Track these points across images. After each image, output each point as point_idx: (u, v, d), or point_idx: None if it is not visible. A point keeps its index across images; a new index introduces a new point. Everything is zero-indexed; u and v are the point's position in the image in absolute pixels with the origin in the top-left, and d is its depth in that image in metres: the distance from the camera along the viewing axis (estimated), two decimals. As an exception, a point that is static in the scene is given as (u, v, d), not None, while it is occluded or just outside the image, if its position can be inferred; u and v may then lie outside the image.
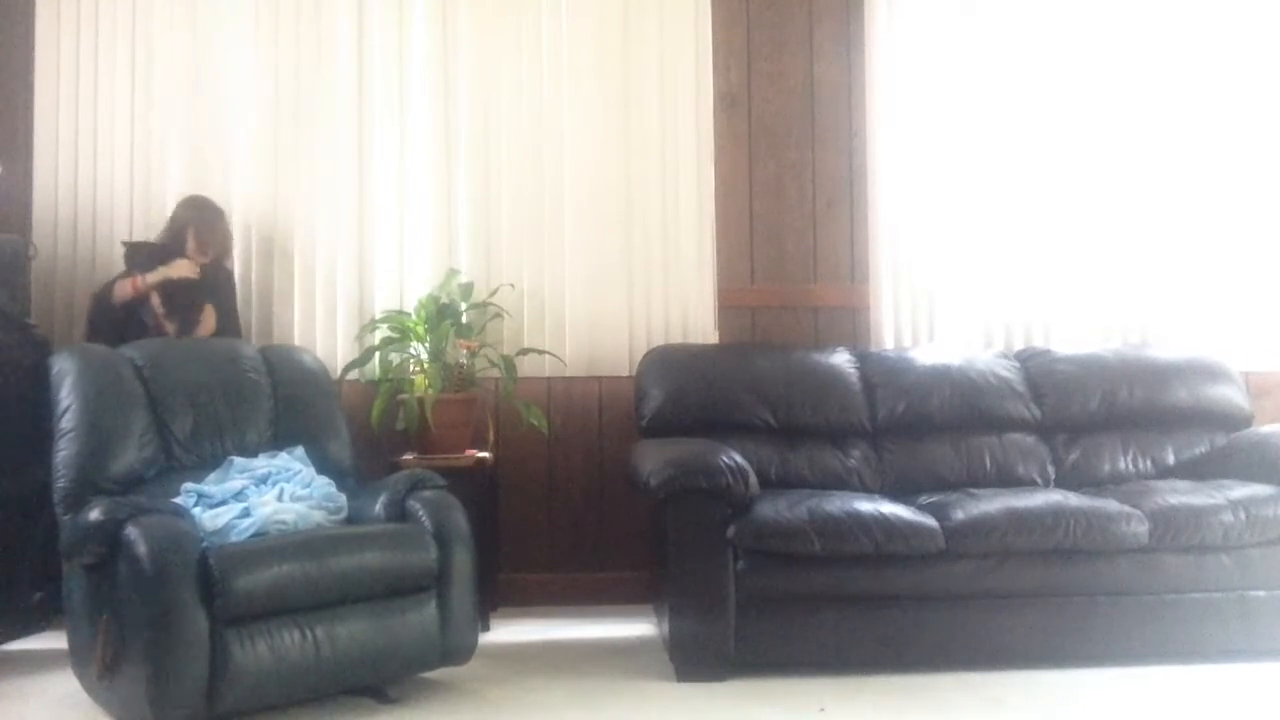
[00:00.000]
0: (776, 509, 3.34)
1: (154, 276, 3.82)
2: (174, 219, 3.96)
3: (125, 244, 3.96)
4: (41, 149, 4.18)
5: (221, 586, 2.76)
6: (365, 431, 3.90)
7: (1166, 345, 4.31)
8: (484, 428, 4.16)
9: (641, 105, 4.34)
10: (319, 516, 3.23)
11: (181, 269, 3.87)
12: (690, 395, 3.92)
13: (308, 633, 2.90)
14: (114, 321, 3.82)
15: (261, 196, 4.22)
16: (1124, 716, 3.03)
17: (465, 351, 3.99)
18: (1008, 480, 3.86)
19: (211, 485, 3.26)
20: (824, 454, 3.92)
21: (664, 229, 4.33)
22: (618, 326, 4.32)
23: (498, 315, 4.17)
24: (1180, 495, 3.50)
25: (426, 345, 3.97)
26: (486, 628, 3.83)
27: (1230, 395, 4.10)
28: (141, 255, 3.88)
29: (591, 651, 3.66)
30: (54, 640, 3.53)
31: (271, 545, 2.96)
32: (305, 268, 4.23)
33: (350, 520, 3.31)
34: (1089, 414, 4.04)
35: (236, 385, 3.54)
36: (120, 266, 3.91)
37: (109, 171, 4.18)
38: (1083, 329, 4.40)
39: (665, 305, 4.33)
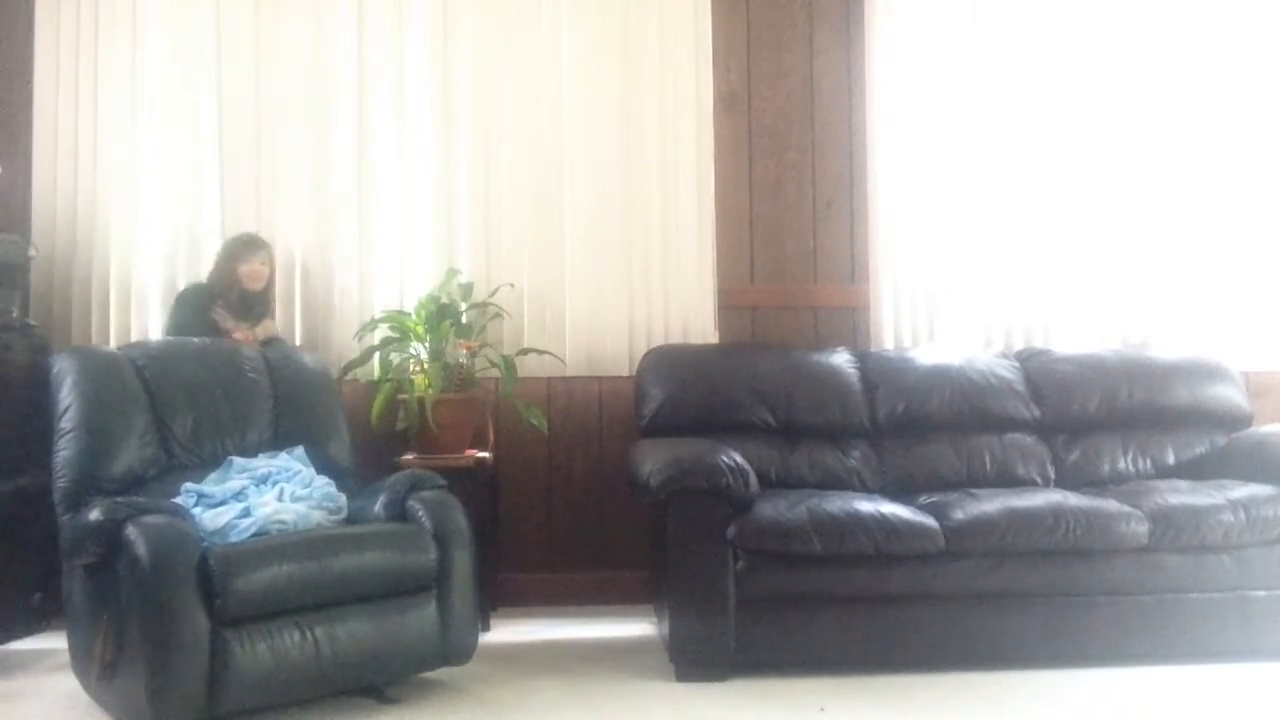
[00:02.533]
0: (776, 509, 3.34)
1: (258, 336, 3.87)
2: (222, 260, 3.94)
3: (189, 288, 3.99)
4: (41, 149, 4.18)
5: (221, 587, 2.76)
6: (365, 431, 3.90)
7: (1166, 345, 4.31)
8: (484, 428, 4.16)
9: (641, 105, 4.34)
10: (319, 516, 3.22)
11: (269, 329, 3.96)
12: (690, 395, 3.92)
13: (308, 633, 2.90)
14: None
15: (261, 195, 4.21)
16: (1124, 716, 3.03)
17: (465, 351, 3.99)
18: (1008, 480, 3.85)
19: (211, 485, 3.25)
20: (824, 454, 3.91)
21: (664, 229, 4.33)
22: (618, 326, 4.31)
23: (498, 315, 4.17)
24: (1180, 495, 3.50)
25: (426, 345, 3.97)
26: (486, 628, 3.83)
27: (1230, 395, 4.10)
28: (217, 301, 3.88)
29: (591, 651, 3.66)
30: (54, 640, 3.53)
31: (271, 545, 2.96)
32: (305, 267, 4.23)
33: (350, 520, 3.31)
34: (1089, 414, 4.04)
35: (236, 385, 3.54)
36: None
37: (109, 171, 4.18)
38: (1083, 329, 4.40)
39: (665, 305, 4.33)
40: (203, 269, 4.12)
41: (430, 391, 3.85)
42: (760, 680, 3.27)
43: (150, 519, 2.83)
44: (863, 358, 4.13)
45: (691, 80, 4.36)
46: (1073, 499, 3.48)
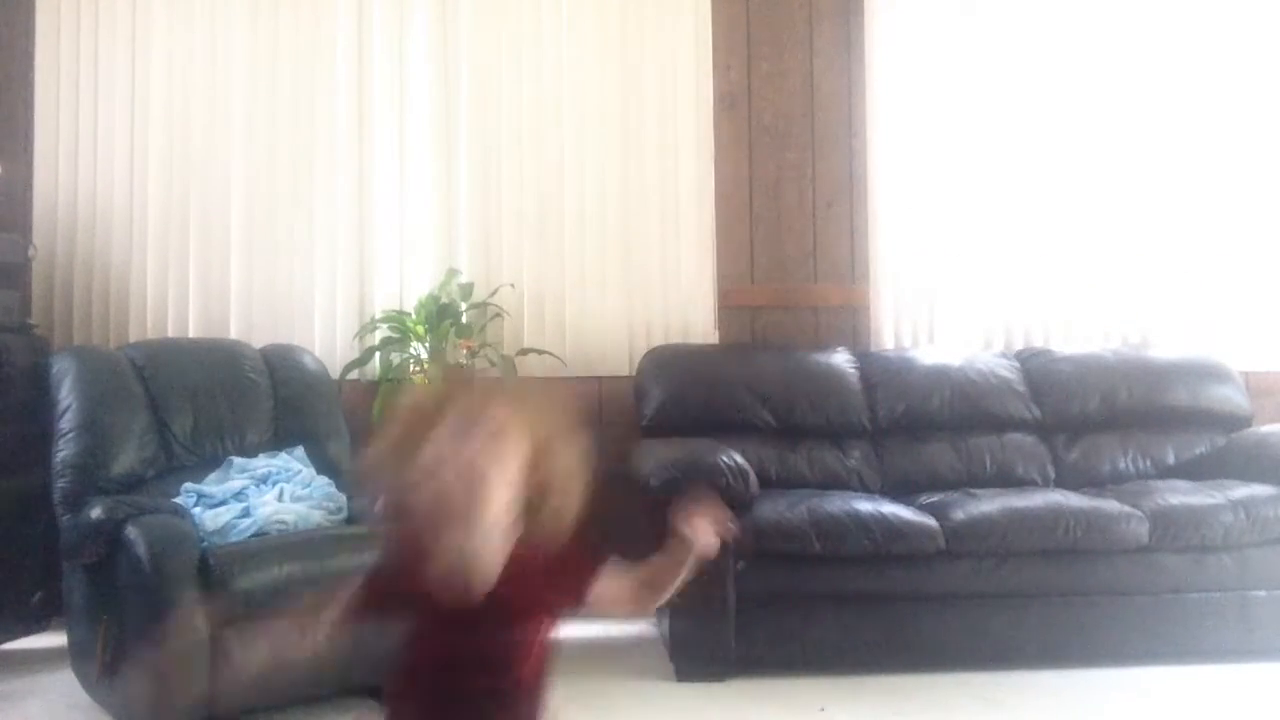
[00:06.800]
0: (776, 509, 3.34)
1: None
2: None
3: None
4: (41, 149, 4.18)
5: (221, 586, 2.76)
6: (365, 431, 3.89)
7: (1166, 345, 4.31)
8: (484, 428, 4.15)
9: (641, 105, 4.34)
10: (319, 516, 3.22)
11: None
12: (690, 395, 3.92)
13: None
14: None
15: (261, 196, 4.22)
16: (1124, 716, 3.03)
17: (465, 351, 3.99)
18: (1008, 480, 3.85)
19: (211, 485, 3.26)
20: (824, 454, 3.91)
21: (664, 229, 4.33)
22: (618, 326, 4.31)
23: (498, 315, 4.17)
24: (1180, 495, 3.50)
25: (426, 345, 3.97)
26: (486, 628, 3.82)
27: (1230, 395, 4.10)
28: None
29: (591, 651, 3.65)
30: (54, 640, 3.52)
31: (271, 545, 2.96)
32: (305, 268, 4.23)
33: (350, 520, 3.31)
34: (1089, 414, 4.03)
35: (236, 385, 3.54)
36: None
37: (109, 171, 4.18)
38: (1083, 329, 4.40)
39: (665, 305, 4.33)
40: (203, 268, 4.11)
41: (430, 391, 3.84)
42: (760, 680, 3.27)
43: (150, 519, 2.83)
44: (863, 358, 4.13)
45: (691, 80, 4.36)
46: (1073, 499, 3.48)
